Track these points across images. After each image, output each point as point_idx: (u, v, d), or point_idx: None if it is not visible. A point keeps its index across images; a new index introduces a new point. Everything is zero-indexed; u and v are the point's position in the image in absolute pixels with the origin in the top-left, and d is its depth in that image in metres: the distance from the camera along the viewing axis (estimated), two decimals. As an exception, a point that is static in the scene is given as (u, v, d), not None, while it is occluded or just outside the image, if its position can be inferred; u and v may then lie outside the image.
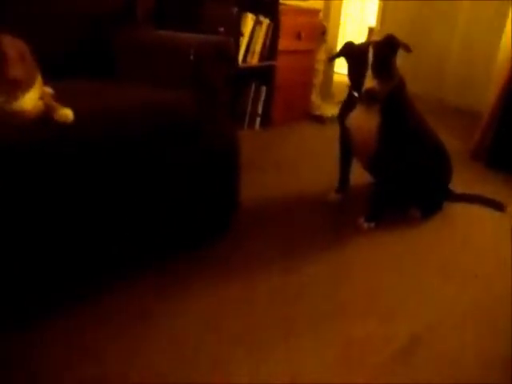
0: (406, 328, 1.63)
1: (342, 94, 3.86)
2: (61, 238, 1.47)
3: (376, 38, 3.96)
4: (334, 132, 3.42)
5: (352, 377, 1.41)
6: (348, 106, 2.21)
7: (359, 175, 2.49)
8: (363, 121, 2.14)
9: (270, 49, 3.33)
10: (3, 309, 1.39)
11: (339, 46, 3.95)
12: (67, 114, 1.43)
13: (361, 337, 1.57)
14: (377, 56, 1.99)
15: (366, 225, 2.22)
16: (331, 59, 2.29)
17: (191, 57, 1.78)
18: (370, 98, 2.02)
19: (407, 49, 2.03)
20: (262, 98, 3.43)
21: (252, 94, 3.40)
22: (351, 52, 2.11)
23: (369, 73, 1.98)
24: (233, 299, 1.69)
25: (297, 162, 3.00)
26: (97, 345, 1.43)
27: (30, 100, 1.38)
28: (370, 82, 1.98)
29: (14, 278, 1.40)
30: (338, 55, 2.22)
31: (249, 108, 3.41)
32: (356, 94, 2.10)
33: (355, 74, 2.07)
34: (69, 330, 1.47)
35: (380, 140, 2.11)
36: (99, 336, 1.46)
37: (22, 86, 1.34)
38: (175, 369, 1.38)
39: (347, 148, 2.36)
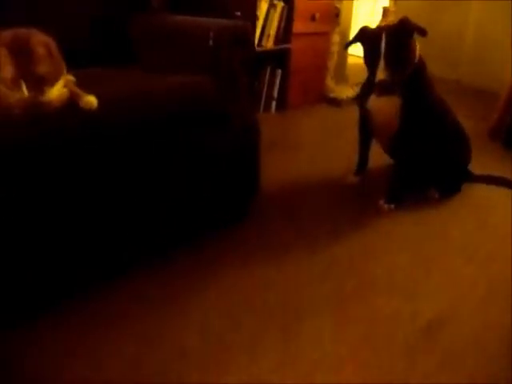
0: (431, 306, 1.64)
1: (356, 77, 3.87)
2: (84, 226, 1.50)
3: (391, 18, 3.91)
4: (349, 115, 3.42)
5: (379, 354, 1.43)
6: (368, 88, 2.19)
7: (377, 157, 2.49)
8: (384, 103, 2.11)
9: (285, 32, 3.31)
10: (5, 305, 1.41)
11: (353, 28, 3.98)
12: (92, 100, 1.45)
13: (386, 314, 1.59)
14: (390, 44, 1.95)
15: (386, 206, 2.23)
16: (347, 46, 2.25)
17: (210, 42, 1.78)
18: (382, 90, 2.01)
19: (422, 33, 1.97)
20: (278, 81, 3.42)
21: (267, 78, 3.39)
22: (366, 38, 2.09)
23: (381, 63, 1.96)
24: (259, 280, 1.71)
25: (313, 144, 2.99)
26: (133, 325, 1.47)
27: (56, 90, 1.41)
28: (381, 74, 1.96)
29: (22, 271, 1.42)
30: (354, 41, 2.18)
31: (264, 91, 3.40)
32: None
33: (370, 60, 2.05)
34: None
35: (401, 122, 2.10)
36: (130, 317, 1.51)
37: (48, 82, 1.37)
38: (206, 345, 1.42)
39: (367, 130, 2.35)
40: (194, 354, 1.39)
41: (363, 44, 2.11)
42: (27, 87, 1.33)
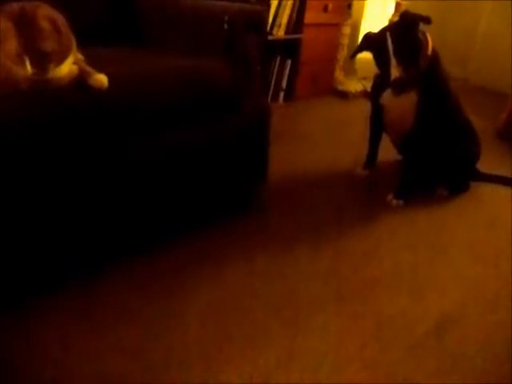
0: (438, 306, 1.61)
1: (365, 70, 3.83)
2: (88, 208, 1.47)
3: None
4: (357, 108, 3.42)
5: (386, 352, 1.40)
6: (381, 83, 2.14)
7: (386, 151, 2.46)
8: (400, 99, 2.07)
9: (296, 22, 3.26)
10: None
11: (364, 21, 3.93)
12: (102, 79, 1.41)
13: (393, 312, 1.56)
14: (396, 42, 1.93)
15: (394, 202, 2.20)
16: (352, 56, 2.22)
17: (225, 25, 1.74)
18: (399, 88, 1.98)
19: (426, 20, 1.92)
20: (287, 71, 3.38)
21: (277, 68, 3.34)
22: (371, 44, 2.06)
23: (393, 62, 1.93)
24: (262, 273, 1.68)
25: (321, 136, 2.96)
26: (137, 310, 1.44)
27: (65, 66, 1.36)
28: (395, 72, 1.93)
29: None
30: (359, 50, 2.15)
31: (273, 81, 3.36)
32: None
33: (381, 64, 2.02)
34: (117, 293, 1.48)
35: (416, 119, 2.07)
36: (130, 308, 1.48)
37: (53, 59, 1.31)
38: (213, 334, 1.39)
39: (378, 125, 2.31)
40: (197, 346, 1.36)
41: (370, 50, 2.08)
42: (31, 64, 1.27)
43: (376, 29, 2.12)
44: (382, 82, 2.13)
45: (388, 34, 1.94)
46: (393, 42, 1.93)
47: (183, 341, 1.37)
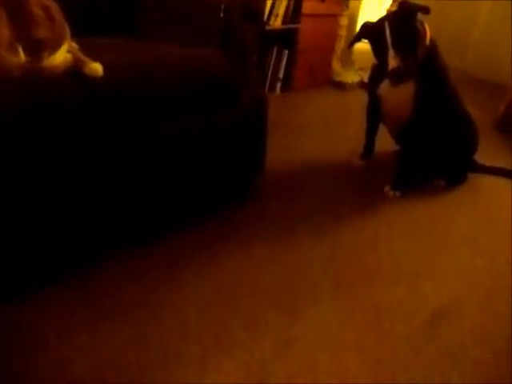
0: (435, 297, 1.61)
1: (362, 61, 3.81)
2: (76, 199, 1.45)
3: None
4: (354, 99, 3.41)
5: (382, 344, 1.40)
6: (378, 74, 2.13)
7: (383, 142, 2.45)
8: (397, 90, 2.05)
9: (294, 12, 3.23)
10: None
11: (362, 11, 3.91)
12: (97, 68, 1.39)
13: (390, 302, 1.56)
14: (394, 32, 1.91)
15: (391, 193, 2.19)
16: (350, 45, 2.20)
17: (221, 14, 1.72)
18: (397, 78, 1.96)
19: (425, 10, 1.90)
20: (284, 61, 3.36)
21: (274, 58, 3.32)
22: (369, 33, 2.05)
23: (391, 52, 1.92)
24: (259, 263, 1.67)
25: (318, 127, 2.94)
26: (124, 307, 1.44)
27: (59, 54, 1.34)
28: (393, 62, 1.92)
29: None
30: (357, 39, 2.14)
31: (270, 72, 3.34)
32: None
33: (379, 53, 2.00)
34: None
35: (414, 109, 2.05)
36: (127, 297, 1.47)
37: (47, 47, 1.29)
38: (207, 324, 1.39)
39: (375, 115, 2.30)
40: (194, 336, 1.35)
41: (368, 39, 2.06)
42: (24, 52, 1.25)
43: (374, 19, 2.10)
44: (379, 72, 2.11)
45: (386, 24, 1.93)
46: (391, 32, 1.91)
47: (180, 331, 1.36)
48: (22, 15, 1.24)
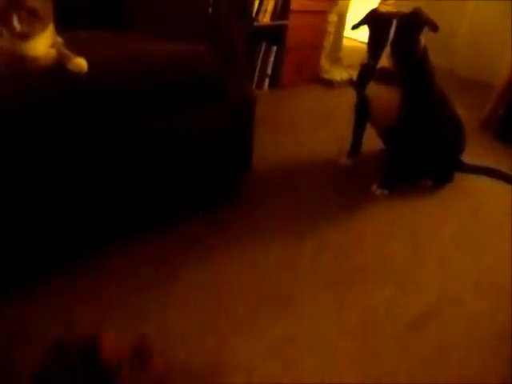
0: (422, 297, 1.61)
1: (350, 59, 3.80)
2: (65, 196, 1.43)
3: (392, 1, 3.85)
4: (342, 97, 3.40)
5: (368, 345, 1.40)
6: (367, 74, 2.11)
7: (370, 140, 2.45)
8: (384, 92, 2.05)
9: (282, 8, 3.21)
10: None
11: (351, 8, 3.90)
12: (81, 63, 1.36)
13: (376, 304, 1.56)
14: (399, 33, 1.89)
15: (379, 191, 2.19)
16: (355, 27, 2.16)
17: (209, 9, 1.69)
18: (383, 78, 1.95)
19: (434, 28, 1.88)
20: (272, 58, 3.34)
21: (262, 54, 3.30)
22: (375, 21, 2.01)
23: (387, 50, 1.90)
24: (246, 263, 1.66)
25: (306, 124, 2.93)
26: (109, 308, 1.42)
27: (42, 46, 1.32)
28: (385, 61, 1.90)
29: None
30: (362, 23, 2.08)
31: (258, 68, 3.32)
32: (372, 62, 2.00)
33: (375, 45, 1.98)
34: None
35: (400, 113, 2.05)
36: (113, 298, 1.45)
37: (41, 19, 1.28)
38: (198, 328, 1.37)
39: (363, 114, 2.30)
40: (178, 335, 1.34)
41: (371, 27, 2.03)
42: (19, 21, 1.23)
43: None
44: (367, 72, 2.11)
45: (395, 21, 1.90)
46: (396, 31, 1.89)
47: (164, 333, 1.34)
48: None
